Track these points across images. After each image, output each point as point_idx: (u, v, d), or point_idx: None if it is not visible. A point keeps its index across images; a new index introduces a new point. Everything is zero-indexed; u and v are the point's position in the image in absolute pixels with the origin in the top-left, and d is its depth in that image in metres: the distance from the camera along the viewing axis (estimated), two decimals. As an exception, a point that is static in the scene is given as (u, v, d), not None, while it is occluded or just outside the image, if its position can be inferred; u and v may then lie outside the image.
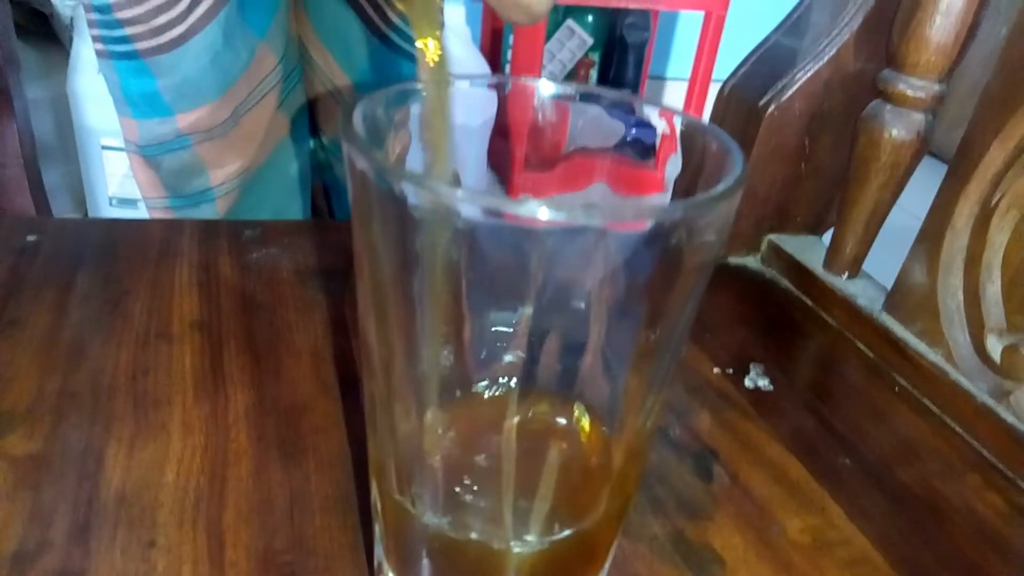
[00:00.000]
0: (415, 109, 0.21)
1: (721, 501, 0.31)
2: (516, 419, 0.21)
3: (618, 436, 0.21)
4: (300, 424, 0.33)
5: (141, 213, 0.84)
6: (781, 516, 0.31)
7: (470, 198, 0.15)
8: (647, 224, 0.16)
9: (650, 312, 0.20)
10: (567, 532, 0.20)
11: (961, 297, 0.38)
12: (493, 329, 0.22)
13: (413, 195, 0.16)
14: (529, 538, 0.20)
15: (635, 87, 1.76)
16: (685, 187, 0.23)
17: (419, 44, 0.18)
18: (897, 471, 0.34)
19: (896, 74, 0.41)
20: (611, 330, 0.21)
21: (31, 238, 0.43)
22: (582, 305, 0.20)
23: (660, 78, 2.07)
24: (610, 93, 0.23)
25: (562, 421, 0.22)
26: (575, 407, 0.22)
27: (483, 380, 0.22)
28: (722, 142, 0.19)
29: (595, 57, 1.78)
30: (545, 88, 0.24)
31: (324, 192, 0.82)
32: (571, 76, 1.72)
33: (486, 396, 0.22)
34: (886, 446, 0.36)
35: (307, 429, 0.32)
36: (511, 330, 0.21)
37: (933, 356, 0.39)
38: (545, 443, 0.22)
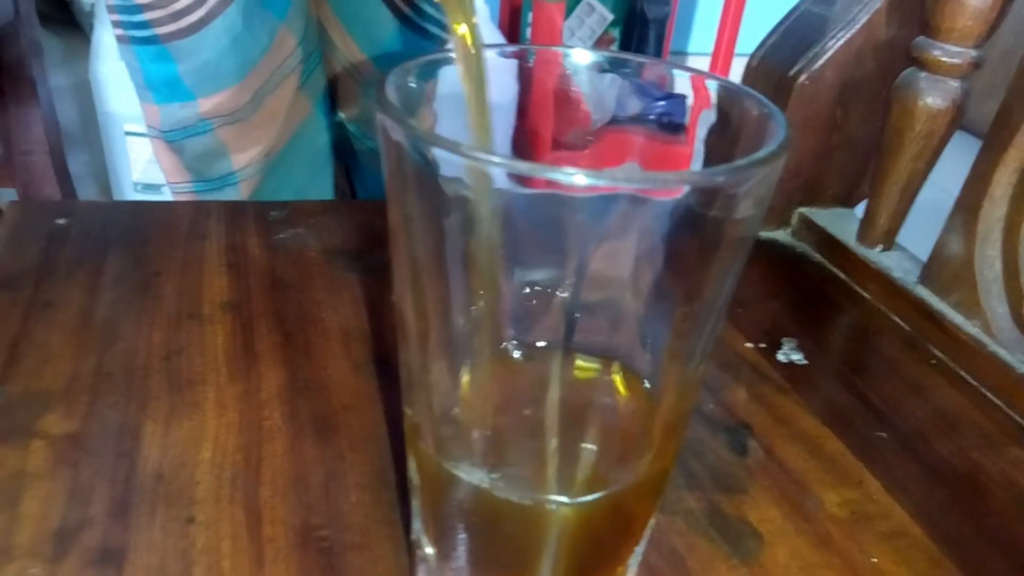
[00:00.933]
0: (443, 82, 0.21)
1: (756, 475, 0.31)
2: (557, 379, 0.21)
3: (658, 399, 0.21)
4: (331, 402, 0.33)
5: (165, 198, 0.85)
6: (818, 489, 0.30)
7: (508, 165, 0.15)
8: (685, 189, 0.16)
9: (689, 284, 0.19)
10: (609, 491, 0.20)
11: (999, 267, 0.37)
12: (531, 299, 0.21)
13: (449, 164, 0.16)
14: (570, 498, 0.20)
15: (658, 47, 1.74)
16: (723, 155, 0.22)
17: (455, 30, 0.18)
18: (935, 444, 0.34)
19: (931, 41, 0.40)
20: (649, 301, 0.20)
21: (60, 221, 0.43)
22: (620, 275, 0.20)
23: (682, 53, 2.04)
24: (638, 59, 0.23)
25: (603, 380, 0.22)
26: (614, 367, 0.22)
27: (521, 344, 0.22)
28: (762, 106, 0.18)
29: (615, 34, 1.76)
30: (572, 56, 0.24)
31: (345, 172, 0.82)
32: (591, 53, 1.70)
33: (525, 359, 0.22)
34: (923, 419, 0.35)
35: (338, 407, 0.33)
36: (550, 297, 0.21)
37: (970, 328, 0.38)
38: (586, 402, 0.22)
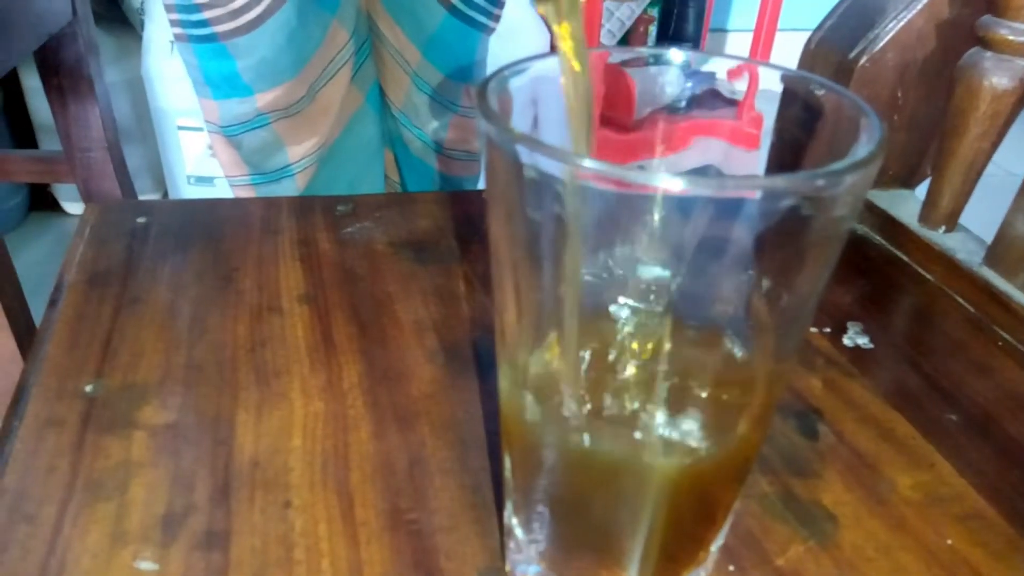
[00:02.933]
0: (538, 85, 0.21)
1: (828, 459, 0.32)
2: (658, 340, 0.22)
3: (755, 371, 0.22)
4: (410, 390, 0.34)
5: (218, 190, 0.86)
6: (890, 473, 0.31)
7: (603, 170, 0.16)
8: (776, 195, 0.16)
9: (783, 277, 0.20)
10: (705, 454, 0.21)
11: (1070, 248, 0.37)
12: (632, 278, 0.22)
13: (550, 167, 0.17)
14: (666, 459, 0.21)
15: (696, 41, 1.72)
16: (799, 144, 0.23)
17: (557, 30, 0.18)
18: (1005, 425, 0.34)
19: (997, 20, 0.39)
20: (745, 289, 0.21)
21: (141, 220, 0.45)
22: (717, 266, 0.20)
23: (722, 31, 2.01)
24: (686, 55, 0.23)
25: (703, 347, 0.23)
26: (713, 336, 0.23)
27: (624, 307, 0.23)
28: (852, 102, 0.19)
29: (654, 13, 1.74)
30: (614, 56, 0.24)
31: (395, 162, 0.83)
32: (630, 33, 1.69)
33: (626, 322, 0.23)
34: (992, 401, 0.35)
35: (417, 395, 0.34)
36: (651, 279, 0.22)
37: (1039, 309, 0.38)
38: (687, 365, 0.23)
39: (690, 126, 0.26)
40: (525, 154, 0.17)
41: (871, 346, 0.38)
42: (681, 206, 0.17)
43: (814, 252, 0.18)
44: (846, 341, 0.38)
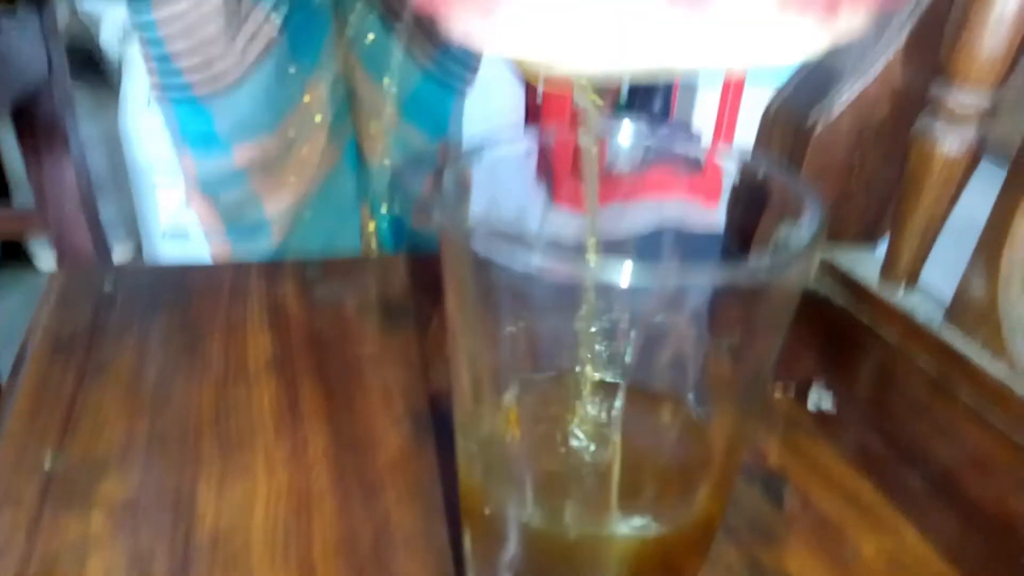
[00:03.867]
0: (491, 166, 0.22)
1: (794, 525, 0.32)
2: (612, 413, 0.22)
3: (711, 438, 0.22)
4: (376, 459, 0.34)
5: (193, 244, 0.87)
6: (855, 538, 0.31)
7: (554, 261, 0.16)
8: (724, 283, 0.17)
9: (736, 344, 0.20)
10: (662, 527, 0.21)
11: (1024, 310, 0.38)
12: (584, 368, 0.23)
13: (500, 256, 0.17)
14: (620, 531, 0.21)
15: (667, 99, 1.76)
16: (742, 217, 0.24)
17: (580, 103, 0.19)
18: (969, 489, 0.34)
19: (947, 87, 0.41)
20: (695, 364, 0.22)
21: (108, 286, 0.45)
22: (666, 341, 0.21)
23: (692, 87, 2.06)
24: (677, 133, 0.24)
25: (657, 417, 0.23)
26: (667, 405, 0.23)
27: (575, 377, 0.23)
28: (794, 186, 0.20)
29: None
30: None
31: (371, 216, 0.84)
32: (601, 88, 1.72)
33: (578, 393, 0.23)
34: (955, 463, 0.36)
35: (383, 464, 0.34)
36: (606, 341, 0.22)
37: (997, 370, 0.38)
38: (642, 437, 0.23)
39: (654, 180, 0.27)
40: (478, 245, 0.17)
41: (835, 410, 0.38)
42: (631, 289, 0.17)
43: (763, 322, 0.19)
44: (810, 404, 0.39)
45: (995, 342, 0.39)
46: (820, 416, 0.38)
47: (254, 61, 0.59)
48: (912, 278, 0.45)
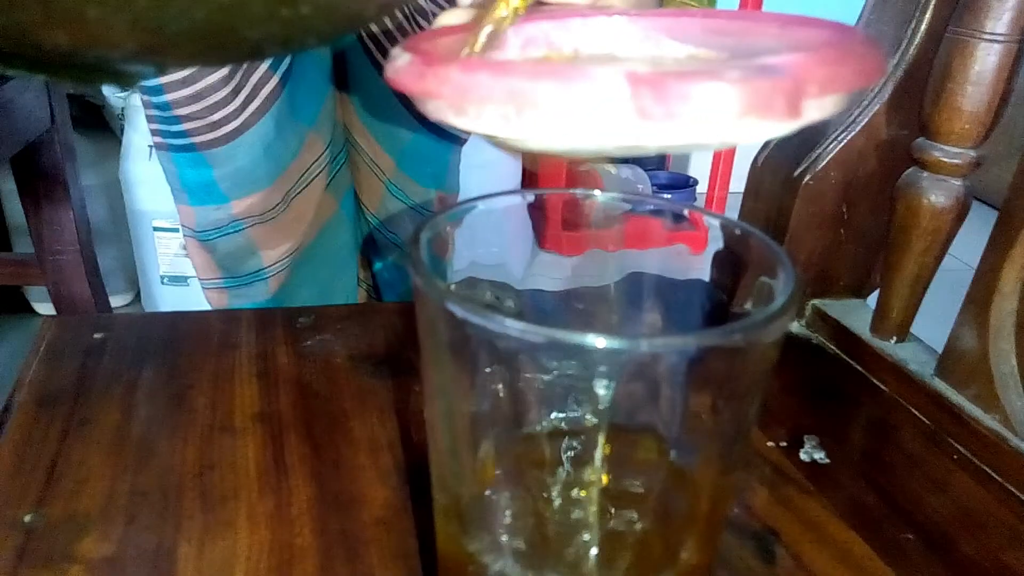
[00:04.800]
0: (468, 226, 0.22)
1: (784, 584, 0.31)
2: (592, 467, 0.22)
3: (694, 497, 0.22)
4: (361, 515, 0.33)
5: (191, 290, 0.87)
6: (847, 598, 0.30)
7: (527, 330, 0.16)
8: (703, 348, 0.17)
9: (717, 403, 0.20)
10: None
11: (1014, 362, 0.38)
12: (562, 425, 0.22)
13: (478, 320, 0.17)
14: None
15: (661, 155, 1.78)
16: (726, 275, 0.24)
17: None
18: (962, 544, 0.34)
19: (931, 143, 0.41)
20: (675, 419, 0.21)
21: (97, 335, 0.45)
22: (646, 398, 0.21)
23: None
24: (661, 202, 0.24)
25: (641, 473, 0.23)
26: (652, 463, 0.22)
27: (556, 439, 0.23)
28: (770, 250, 0.20)
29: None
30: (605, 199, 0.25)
31: (368, 266, 0.84)
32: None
33: (558, 459, 0.23)
34: (949, 518, 0.35)
35: (368, 521, 0.33)
36: (579, 427, 0.22)
37: (990, 422, 0.38)
38: (624, 488, 0.23)
39: (647, 229, 0.28)
40: (454, 309, 0.17)
41: (827, 461, 0.38)
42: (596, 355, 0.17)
43: (741, 381, 0.19)
44: (803, 456, 0.38)
45: (987, 395, 0.39)
46: (813, 468, 0.37)
47: (254, 113, 0.59)
48: (903, 328, 0.45)
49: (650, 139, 0.13)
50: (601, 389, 0.20)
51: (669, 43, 0.21)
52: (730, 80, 0.13)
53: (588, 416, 0.22)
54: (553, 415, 0.22)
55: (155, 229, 1.25)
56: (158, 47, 0.15)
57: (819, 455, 0.38)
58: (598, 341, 0.15)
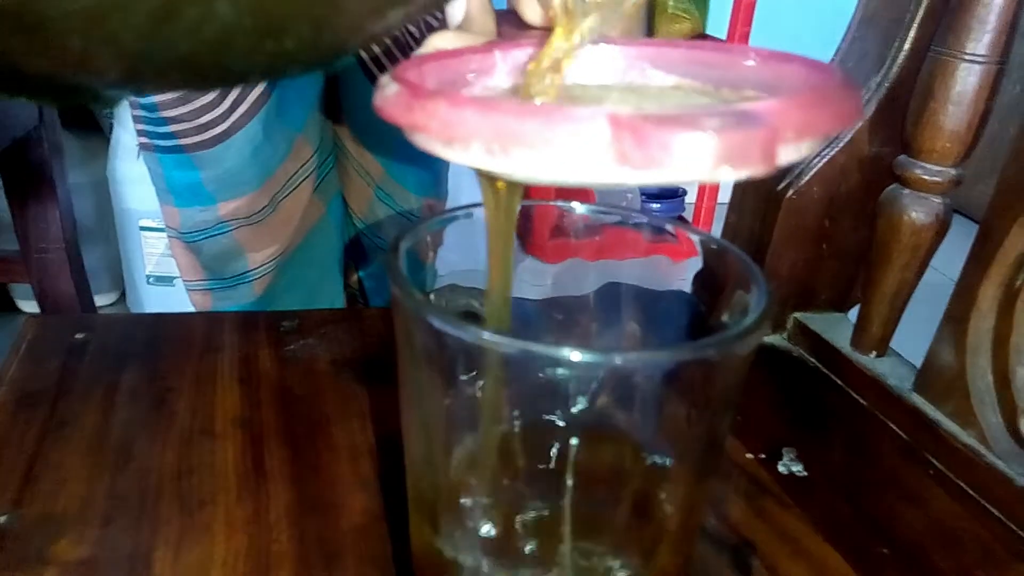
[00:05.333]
0: (449, 236, 0.22)
1: (759, 596, 0.31)
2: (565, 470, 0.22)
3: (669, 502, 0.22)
4: (339, 522, 0.33)
5: (177, 290, 0.87)
6: (821, 611, 0.31)
7: (503, 342, 0.16)
8: (675, 361, 0.17)
9: (688, 416, 0.21)
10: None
11: (991, 379, 0.38)
12: (535, 433, 0.23)
13: (455, 332, 0.17)
14: None
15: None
16: (706, 289, 0.24)
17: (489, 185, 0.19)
18: (938, 560, 0.34)
19: (912, 160, 0.42)
20: (649, 431, 0.22)
21: (79, 336, 0.45)
22: (618, 428, 0.21)
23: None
24: (630, 214, 0.25)
25: (612, 473, 0.23)
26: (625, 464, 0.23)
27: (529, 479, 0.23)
28: (746, 267, 0.20)
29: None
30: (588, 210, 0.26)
31: (355, 270, 0.84)
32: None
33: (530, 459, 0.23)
34: (924, 533, 0.35)
35: (347, 527, 0.33)
36: (553, 435, 0.22)
37: (966, 438, 0.39)
38: (597, 490, 0.23)
39: (627, 239, 0.28)
40: (430, 319, 0.18)
41: (805, 474, 0.38)
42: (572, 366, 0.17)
43: (715, 390, 0.19)
44: (781, 468, 0.38)
45: (964, 411, 0.39)
46: (791, 480, 0.38)
47: (243, 116, 0.59)
48: (883, 343, 0.45)
49: (629, 178, 0.14)
50: (575, 399, 0.20)
51: (654, 72, 0.22)
52: (709, 130, 0.13)
53: (562, 424, 0.22)
54: (526, 423, 0.22)
55: (142, 229, 1.25)
56: (141, 76, 0.15)
57: (797, 468, 0.38)
58: (571, 354, 0.16)
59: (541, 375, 0.18)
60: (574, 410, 0.22)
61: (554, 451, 0.22)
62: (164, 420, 0.38)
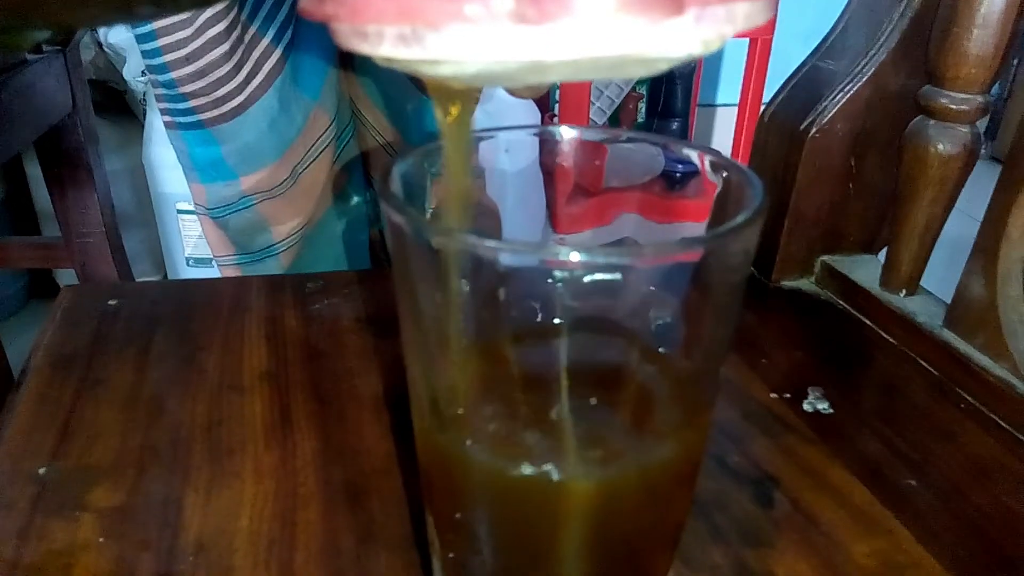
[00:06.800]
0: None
1: (783, 528, 0.31)
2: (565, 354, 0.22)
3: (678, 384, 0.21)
4: (363, 466, 0.34)
5: (216, 271, 0.89)
6: (846, 541, 0.30)
7: (502, 247, 0.17)
8: (669, 260, 0.17)
9: (684, 338, 0.20)
10: (625, 467, 0.20)
11: (1023, 309, 0.37)
12: (532, 336, 0.23)
13: (448, 245, 0.17)
14: (587, 469, 0.20)
15: (685, 117, 1.76)
16: (717, 223, 0.24)
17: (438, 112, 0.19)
18: (968, 492, 0.33)
19: (937, 89, 0.41)
20: (647, 353, 0.21)
21: (112, 302, 0.46)
22: (618, 328, 0.21)
23: (710, 106, 2.07)
24: (642, 136, 0.24)
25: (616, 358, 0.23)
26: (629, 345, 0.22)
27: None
28: (743, 174, 0.20)
29: (643, 90, 1.79)
30: (582, 134, 0.25)
31: (381, 239, 0.85)
32: (619, 110, 1.73)
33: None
34: (955, 466, 0.35)
35: (370, 471, 0.34)
36: (549, 335, 0.22)
37: (998, 370, 0.38)
38: (600, 377, 0.23)
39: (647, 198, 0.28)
40: (427, 232, 0.18)
41: (831, 411, 0.38)
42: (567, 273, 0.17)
43: (709, 294, 0.19)
44: (806, 406, 0.38)
45: (996, 343, 0.38)
46: (816, 418, 0.37)
47: (258, 88, 0.60)
48: (913, 282, 0.45)
49: (539, 51, 0.13)
50: (569, 300, 0.20)
51: None
52: None
53: (559, 322, 0.22)
54: (521, 326, 0.22)
55: (179, 212, 1.27)
56: (13, 4, 0.15)
57: (823, 405, 0.38)
58: (570, 255, 0.16)
59: (533, 278, 0.18)
60: (568, 311, 0.21)
61: (550, 350, 0.22)
62: (194, 376, 0.39)
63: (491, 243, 0.17)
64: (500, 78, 0.16)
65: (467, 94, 0.18)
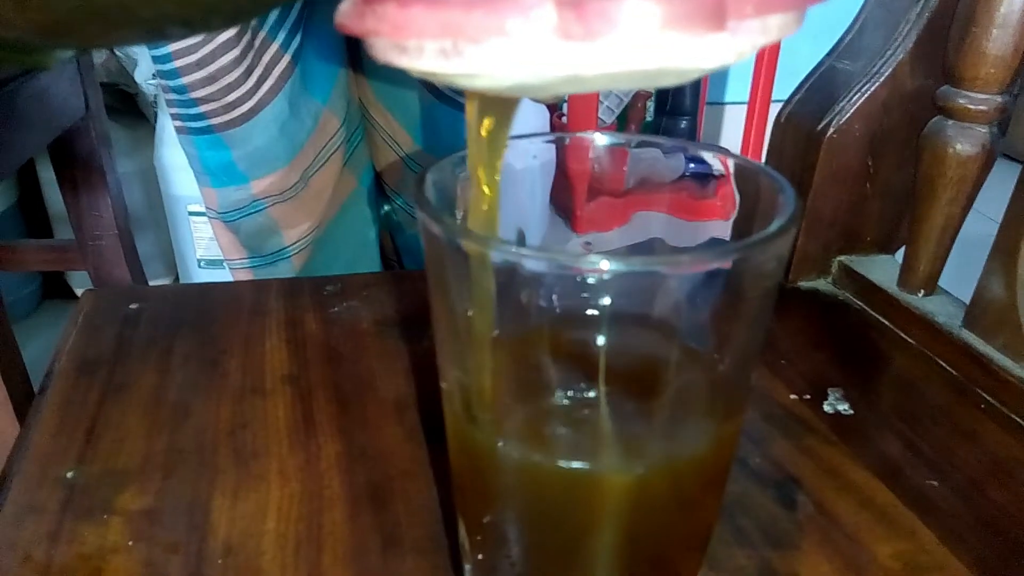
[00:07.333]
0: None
1: (807, 529, 0.31)
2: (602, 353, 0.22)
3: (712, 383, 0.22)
4: (388, 469, 0.34)
5: (227, 273, 0.90)
6: (870, 542, 0.30)
7: (536, 255, 0.17)
8: (705, 268, 0.17)
9: (717, 341, 0.21)
10: (659, 463, 0.21)
11: (1044, 309, 0.37)
12: (565, 363, 0.23)
13: (486, 255, 0.18)
14: (622, 464, 0.20)
15: (693, 115, 1.76)
16: (744, 225, 0.24)
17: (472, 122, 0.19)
18: (990, 492, 0.33)
19: (956, 90, 0.41)
20: (680, 355, 0.22)
21: (133, 306, 0.46)
22: (650, 330, 0.21)
23: (719, 103, 2.06)
24: (663, 141, 0.25)
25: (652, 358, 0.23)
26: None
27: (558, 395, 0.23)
28: (774, 180, 0.20)
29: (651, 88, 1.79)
30: (602, 139, 0.25)
31: (391, 241, 0.85)
32: (628, 109, 1.73)
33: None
34: (976, 466, 0.35)
35: (394, 473, 0.34)
36: (585, 335, 0.22)
37: (1019, 371, 0.38)
38: (635, 378, 0.23)
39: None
40: (461, 241, 0.18)
41: (851, 412, 0.38)
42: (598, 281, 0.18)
43: (742, 302, 0.19)
44: (826, 408, 0.38)
45: (1016, 343, 0.38)
46: (836, 419, 0.37)
47: (268, 93, 0.60)
48: (931, 282, 0.45)
49: (581, 65, 0.13)
50: (602, 301, 0.20)
51: None
52: None
53: (590, 326, 0.22)
54: (554, 328, 0.22)
55: (191, 214, 1.28)
56: (49, 28, 0.15)
57: (843, 407, 0.38)
58: (601, 263, 0.16)
59: (567, 286, 0.18)
60: (602, 309, 0.21)
61: (585, 351, 0.22)
62: (217, 380, 0.40)
63: (528, 252, 0.17)
64: (536, 89, 0.16)
65: (506, 105, 0.18)
